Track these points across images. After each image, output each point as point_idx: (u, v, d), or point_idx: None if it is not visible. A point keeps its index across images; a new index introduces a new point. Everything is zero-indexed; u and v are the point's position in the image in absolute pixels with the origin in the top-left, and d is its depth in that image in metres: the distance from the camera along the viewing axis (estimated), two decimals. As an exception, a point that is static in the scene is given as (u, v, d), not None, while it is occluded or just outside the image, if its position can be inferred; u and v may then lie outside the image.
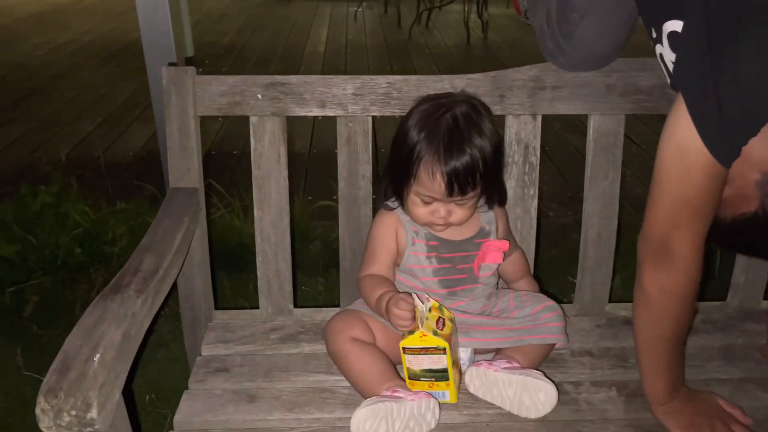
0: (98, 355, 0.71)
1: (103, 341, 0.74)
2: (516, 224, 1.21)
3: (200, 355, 1.13)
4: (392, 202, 1.07)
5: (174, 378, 1.46)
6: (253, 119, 1.13)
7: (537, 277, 1.26)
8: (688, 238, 0.87)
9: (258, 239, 1.18)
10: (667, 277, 0.90)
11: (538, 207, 1.24)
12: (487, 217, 1.08)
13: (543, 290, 1.21)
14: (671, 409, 0.95)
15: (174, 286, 1.03)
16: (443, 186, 0.96)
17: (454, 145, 0.96)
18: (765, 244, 0.84)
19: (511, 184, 1.19)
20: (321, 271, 1.89)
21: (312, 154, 2.58)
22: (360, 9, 5.55)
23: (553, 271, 1.93)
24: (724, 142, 0.80)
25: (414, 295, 0.97)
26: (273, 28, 5.10)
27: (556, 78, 1.14)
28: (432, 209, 1.00)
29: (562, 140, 2.94)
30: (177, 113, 1.11)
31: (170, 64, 1.14)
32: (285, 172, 1.16)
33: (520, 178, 1.19)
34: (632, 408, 0.99)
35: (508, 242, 1.07)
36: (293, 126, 2.57)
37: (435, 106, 1.01)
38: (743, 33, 0.75)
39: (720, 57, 0.77)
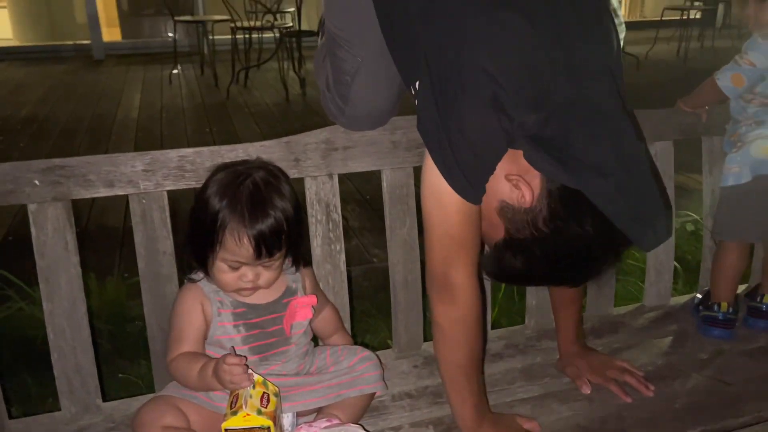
0: None
1: None
2: (327, 280, 1.24)
3: (-9, 476, 1.00)
4: (195, 275, 1.04)
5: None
6: (31, 207, 1.05)
7: (354, 331, 1.29)
8: (461, 270, 0.97)
9: (51, 335, 1.08)
10: (452, 309, 0.99)
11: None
12: (293, 275, 1.10)
13: (361, 342, 1.25)
14: None
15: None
16: (251, 250, 0.97)
17: (258, 209, 0.98)
18: (526, 267, 0.93)
19: (317, 242, 1.23)
20: (143, 353, 1.77)
21: (127, 227, 2.44)
22: (175, 71, 5.43)
23: (381, 314, 2.00)
24: (466, 184, 0.91)
25: None
26: (80, 95, 4.79)
27: (346, 139, 1.21)
28: (240, 274, 1.00)
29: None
30: (-63, 209, 1.00)
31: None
32: (75, 259, 1.08)
33: (326, 235, 1.23)
34: (447, 442, 1.05)
35: (315, 297, 1.09)
36: (106, 199, 2.39)
37: (233, 174, 1.02)
38: (461, 90, 0.87)
39: (446, 113, 0.89)
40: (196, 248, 1.02)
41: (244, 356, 0.95)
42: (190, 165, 1.12)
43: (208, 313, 1.03)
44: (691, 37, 6.21)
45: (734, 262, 1.35)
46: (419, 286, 1.30)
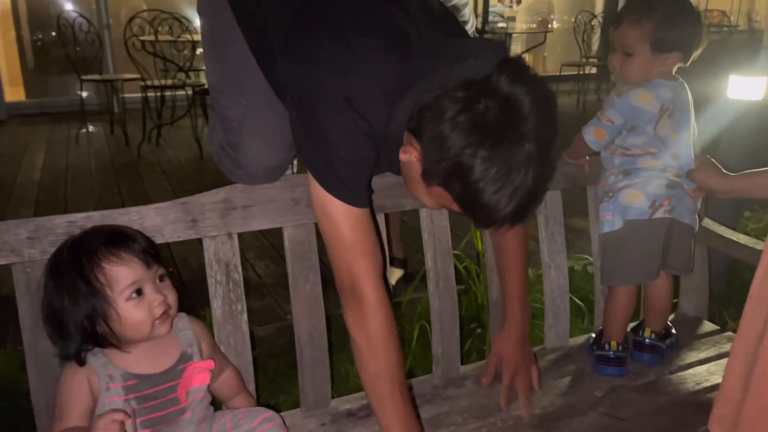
0: None
1: None
2: (229, 341, 1.22)
3: None
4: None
5: None
6: None
7: (266, 391, 1.27)
8: (364, 274, 1.02)
9: None
10: (362, 317, 1.04)
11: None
12: (188, 339, 1.07)
13: (262, 402, 1.23)
14: None
15: None
16: (138, 260, 0.97)
17: (113, 231, 1.02)
18: (483, 184, 0.90)
19: (217, 302, 1.21)
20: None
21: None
22: (83, 131, 5.26)
23: (295, 373, 1.96)
24: (344, 188, 1.00)
25: None
26: (-23, 157, 4.56)
27: (245, 197, 1.22)
28: (147, 302, 0.97)
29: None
30: None
31: None
32: (-50, 335, 1.02)
33: (226, 295, 1.22)
34: (353, 501, 1.04)
35: (213, 361, 1.07)
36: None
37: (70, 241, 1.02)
38: (319, 105, 0.97)
39: (311, 129, 0.99)
40: (85, 323, 0.96)
41: (123, 412, 0.90)
42: (80, 230, 1.08)
43: (95, 389, 0.97)
44: (588, 91, 6.67)
45: (623, 304, 1.44)
46: (325, 343, 1.30)
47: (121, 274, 0.96)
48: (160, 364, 1.02)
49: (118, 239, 0.99)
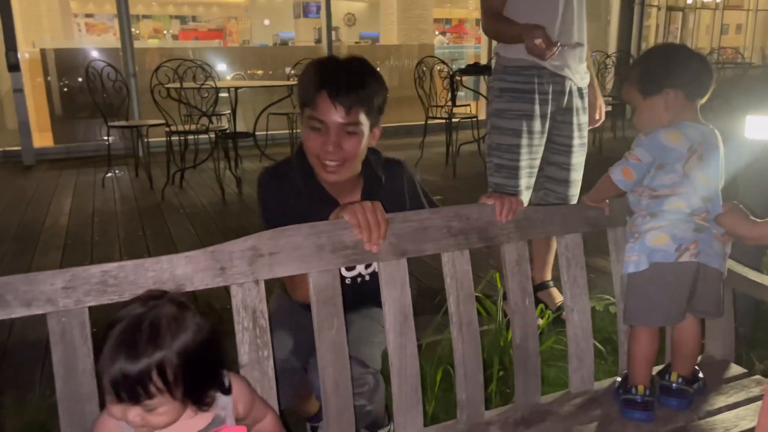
0: None
1: None
2: (256, 387, 1.23)
3: None
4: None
5: None
6: (-58, 332, 1.02)
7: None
8: None
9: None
10: None
11: None
12: (222, 402, 1.05)
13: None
14: None
15: None
16: (129, 402, 0.93)
17: (119, 352, 0.92)
18: None
19: (245, 348, 1.23)
20: (64, 477, 1.66)
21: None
22: (109, 175, 5.40)
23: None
24: None
25: None
26: (6, 203, 4.68)
27: (272, 245, 1.24)
28: (128, 426, 0.96)
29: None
30: None
31: None
32: (-12, 383, 1.05)
33: (253, 342, 1.24)
34: None
35: (245, 428, 1.07)
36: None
37: (123, 314, 0.97)
38: None
39: None
40: None
41: None
42: (113, 279, 1.12)
43: None
44: (604, 128, 6.70)
45: (646, 346, 1.43)
46: (350, 388, 1.31)
47: (113, 406, 0.95)
48: (191, 427, 1.02)
49: (114, 361, 0.91)
